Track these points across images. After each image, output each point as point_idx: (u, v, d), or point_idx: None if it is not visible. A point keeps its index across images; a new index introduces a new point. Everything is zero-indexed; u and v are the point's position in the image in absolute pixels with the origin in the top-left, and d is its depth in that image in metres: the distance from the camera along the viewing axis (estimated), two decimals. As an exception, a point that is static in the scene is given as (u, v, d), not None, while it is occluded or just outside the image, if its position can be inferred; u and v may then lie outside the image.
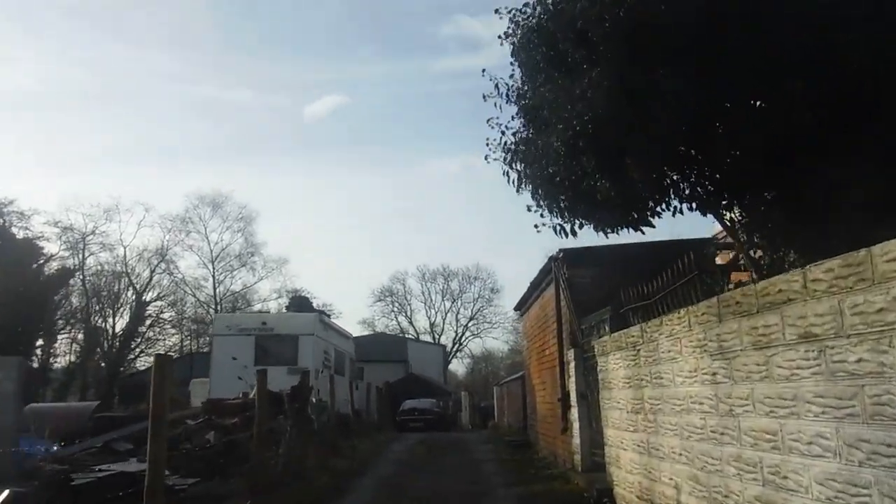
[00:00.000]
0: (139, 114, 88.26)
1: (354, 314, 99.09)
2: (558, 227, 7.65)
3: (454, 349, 74.22)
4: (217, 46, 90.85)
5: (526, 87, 7.45)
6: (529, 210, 7.73)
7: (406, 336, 63.50)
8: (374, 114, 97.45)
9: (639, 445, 8.53)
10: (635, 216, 7.54)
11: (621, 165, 6.41)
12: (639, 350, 8.29)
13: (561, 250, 11.99)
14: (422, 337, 67.94)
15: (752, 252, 7.91)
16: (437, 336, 71.03)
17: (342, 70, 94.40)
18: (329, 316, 67.17)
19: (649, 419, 8.11)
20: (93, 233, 55.85)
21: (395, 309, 72.53)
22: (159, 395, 6.59)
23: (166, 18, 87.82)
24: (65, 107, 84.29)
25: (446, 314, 74.79)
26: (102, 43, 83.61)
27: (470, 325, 75.63)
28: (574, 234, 7.65)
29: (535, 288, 15.73)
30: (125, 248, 58.19)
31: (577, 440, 11.95)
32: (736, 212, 8.17)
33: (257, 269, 63.31)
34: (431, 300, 74.64)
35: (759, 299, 5.30)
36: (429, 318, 74.02)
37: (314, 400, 19.03)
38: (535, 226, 7.79)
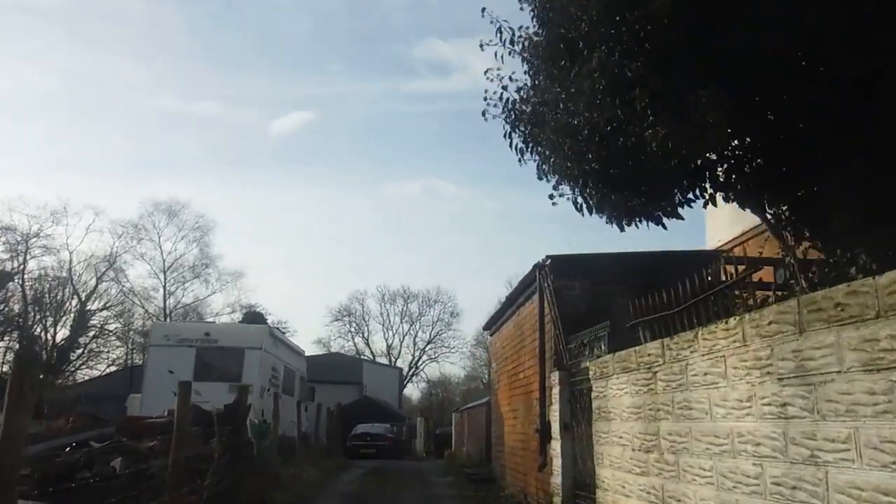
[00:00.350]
0: (102, 123, 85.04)
1: (310, 333, 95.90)
2: (578, 201, 5.95)
3: (410, 373, 72.03)
4: (185, 58, 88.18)
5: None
6: (540, 179, 6.01)
7: (362, 357, 61.23)
8: (341, 132, 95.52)
9: (648, 492, 6.79)
10: (662, 203, 5.84)
11: (689, 102, 4.68)
12: (655, 373, 6.58)
13: (548, 257, 10.29)
14: (378, 359, 65.71)
15: (801, 254, 6.27)
16: (393, 359, 68.81)
17: (311, 86, 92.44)
18: (283, 332, 64.64)
19: (666, 460, 6.39)
20: (37, 235, 52.80)
21: (353, 329, 70.21)
22: (15, 404, 4.67)
23: (136, 28, 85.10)
24: (26, 113, 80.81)
25: (404, 337, 72.62)
26: (71, 50, 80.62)
27: (427, 348, 73.55)
28: (599, 210, 5.92)
29: (512, 303, 13.97)
30: (71, 252, 55.14)
31: (557, 479, 10.16)
32: (781, 206, 6.54)
33: (211, 282, 60.53)
34: (390, 321, 72.48)
35: (881, 299, 3.63)
36: (386, 339, 71.82)
37: (255, 420, 16.99)
38: (551, 196, 6.09)
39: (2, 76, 78.76)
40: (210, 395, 18.58)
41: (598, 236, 75.52)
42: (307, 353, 59.92)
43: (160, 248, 59.33)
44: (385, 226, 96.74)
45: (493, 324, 17.10)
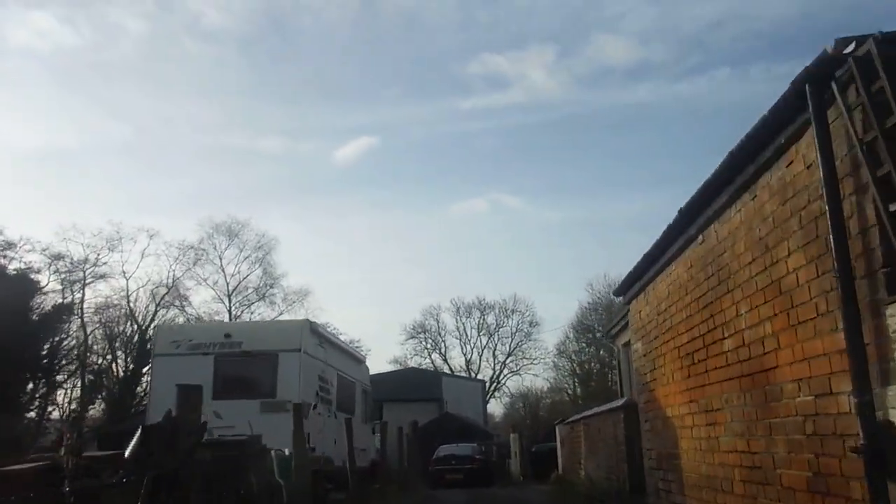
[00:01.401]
0: (170, 166, 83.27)
1: (384, 353, 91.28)
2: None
3: (492, 387, 65.76)
4: (246, 95, 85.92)
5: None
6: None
7: (440, 371, 55.32)
8: (402, 155, 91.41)
9: None
10: None
11: None
12: None
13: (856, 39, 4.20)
14: (457, 374, 59.90)
15: None
16: (473, 373, 62.80)
17: (370, 113, 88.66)
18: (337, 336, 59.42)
19: None
20: (94, 264, 48.94)
21: (429, 346, 64.61)
22: None
23: (195, 69, 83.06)
24: (94, 161, 79.65)
25: (482, 350, 66.61)
26: (135, 96, 79.44)
27: (508, 361, 67.40)
28: None
29: (696, 214, 7.59)
30: (127, 279, 51.01)
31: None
32: None
33: (277, 303, 55.72)
34: (467, 335, 66.58)
35: None
36: (464, 354, 65.94)
37: (283, 452, 11.15)
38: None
39: (80, 129, 77.28)
40: (234, 416, 13.07)
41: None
42: (380, 371, 53.85)
43: (223, 270, 54.89)
44: (453, 244, 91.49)
45: (634, 281, 10.89)
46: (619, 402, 12.11)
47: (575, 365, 67.47)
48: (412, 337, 64.33)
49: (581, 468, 16.13)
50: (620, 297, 13.46)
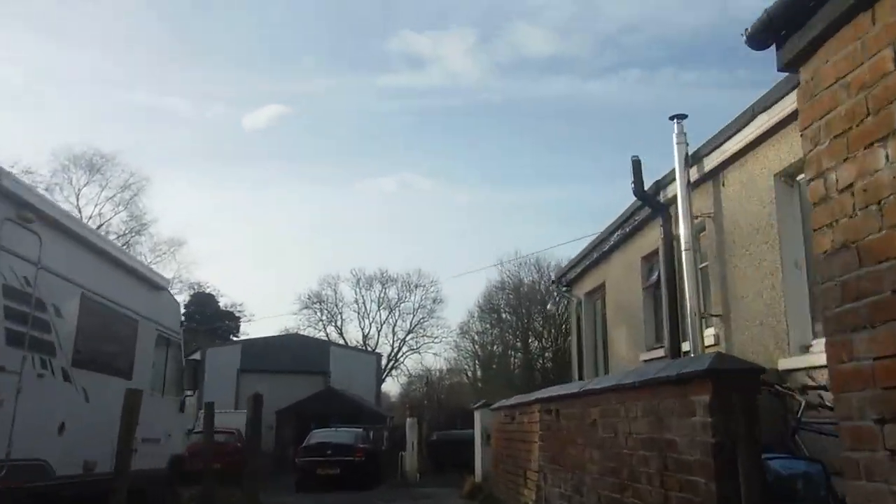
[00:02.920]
0: (69, 117, 71.47)
1: (276, 324, 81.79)
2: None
3: (389, 366, 57.95)
4: (155, 53, 74.84)
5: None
6: None
7: (329, 341, 46.90)
8: (314, 127, 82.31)
9: None
10: None
11: None
12: None
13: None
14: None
15: None
16: (371, 348, 54.84)
17: (283, 82, 79.44)
18: (239, 321, 49.74)
19: None
20: None
21: (324, 318, 56.11)
22: None
23: (102, 20, 71.30)
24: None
25: (382, 325, 58.70)
26: (35, 42, 67.23)
27: (408, 338, 59.84)
28: None
29: None
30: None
31: None
32: None
33: (143, 252, 45.78)
34: (366, 309, 58.43)
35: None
36: (362, 328, 57.81)
37: None
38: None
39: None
40: None
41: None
42: (256, 336, 44.67)
43: (79, 210, 44.43)
44: (360, 219, 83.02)
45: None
46: (702, 363, 4.37)
47: (477, 346, 61.02)
48: (306, 307, 55.80)
49: (537, 487, 8.42)
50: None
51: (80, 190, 44.13)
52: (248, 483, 12.11)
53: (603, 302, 12.82)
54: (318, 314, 56.01)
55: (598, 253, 12.35)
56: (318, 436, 21.66)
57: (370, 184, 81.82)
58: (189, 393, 11.83)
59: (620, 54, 77.48)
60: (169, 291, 12.22)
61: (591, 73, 77.04)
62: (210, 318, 50.80)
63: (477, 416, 14.85)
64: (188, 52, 77.96)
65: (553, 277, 13.92)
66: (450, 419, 31.61)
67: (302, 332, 45.22)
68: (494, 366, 58.68)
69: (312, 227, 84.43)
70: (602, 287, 12.55)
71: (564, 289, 14.52)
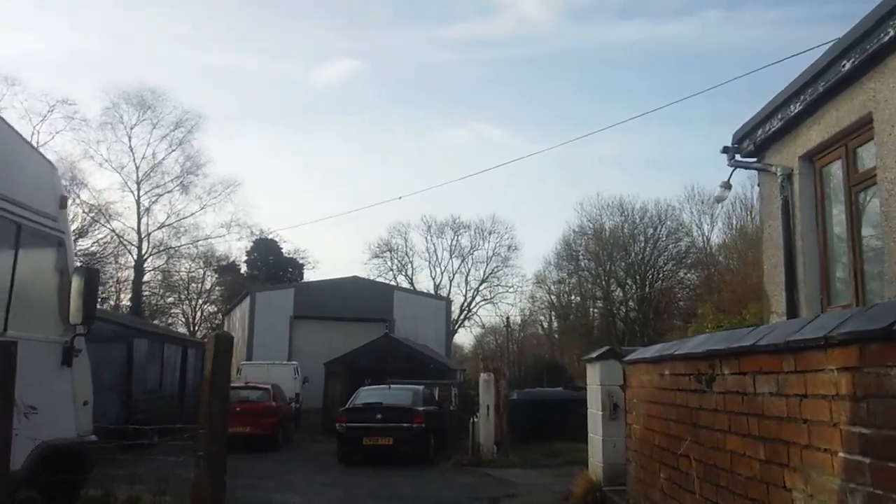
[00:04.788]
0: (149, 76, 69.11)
1: (343, 273, 78.11)
2: None
3: (461, 316, 52.53)
4: (226, 12, 70.68)
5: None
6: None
7: (393, 285, 41.43)
8: (385, 81, 77.10)
9: None
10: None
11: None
12: None
13: None
14: (422, 298, 46.68)
15: None
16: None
17: (354, 36, 74.29)
18: (302, 268, 45.06)
19: None
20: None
21: (395, 267, 51.02)
22: None
23: None
24: (68, 71, 64.43)
25: (454, 274, 53.27)
26: (113, 8, 63.44)
27: (482, 287, 54.19)
28: None
29: None
30: None
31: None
32: None
33: (199, 195, 41.23)
34: (437, 257, 53.05)
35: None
36: (433, 278, 52.55)
37: None
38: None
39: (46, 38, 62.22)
40: None
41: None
42: (313, 279, 40.10)
43: (131, 151, 40.07)
44: (433, 170, 77.39)
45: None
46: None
47: (553, 296, 55.01)
48: (376, 256, 50.86)
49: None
50: None
51: (131, 128, 39.64)
52: (209, 461, 6.53)
53: (854, 163, 6.47)
54: (389, 263, 51.17)
55: (850, 63, 5.99)
56: (366, 395, 16.07)
57: (442, 135, 76.05)
58: (81, 329, 6.21)
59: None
60: (35, 151, 6.53)
61: (667, 14, 68.32)
62: (272, 266, 46.28)
63: (594, 372, 8.73)
64: (260, 7, 73.69)
65: (732, 140, 7.45)
66: (533, 375, 25.68)
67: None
68: (572, 316, 52.86)
69: (384, 179, 79.27)
70: (860, 131, 6.20)
71: (750, 160, 8.11)
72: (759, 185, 8.12)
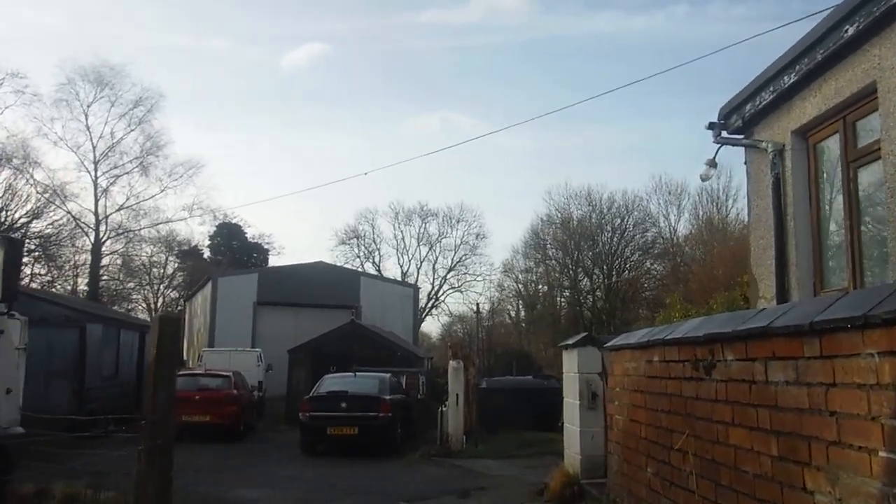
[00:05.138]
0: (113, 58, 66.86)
1: (315, 257, 77.04)
2: None
3: (429, 305, 52.03)
4: None
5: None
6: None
7: (360, 271, 40.64)
8: (352, 66, 75.92)
9: None
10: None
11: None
12: None
13: None
14: (389, 285, 45.91)
15: None
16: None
17: (321, 19, 72.71)
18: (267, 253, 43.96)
19: None
20: None
21: (362, 254, 50.20)
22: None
23: None
24: (21, 45, 61.72)
25: (421, 262, 52.69)
26: None
27: (449, 276, 53.76)
28: None
29: None
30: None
31: None
32: None
33: (159, 176, 39.82)
34: (405, 244, 52.34)
35: None
36: (400, 265, 51.89)
37: None
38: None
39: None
40: None
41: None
42: (278, 264, 39.43)
43: (88, 129, 38.54)
44: (401, 156, 76.59)
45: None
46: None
47: (520, 285, 54.88)
48: (343, 243, 49.95)
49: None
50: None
51: (88, 106, 38.11)
52: (153, 456, 5.99)
53: (854, 138, 6.06)
54: (356, 250, 50.37)
55: (854, 28, 5.57)
56: (330, 383, 15.45)
57: (410, 122, 75.06)
58: (1, 307, 5.46)
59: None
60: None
61: (636, 7, 68.29)
62: (237, 251, 45.16)
63: (572, 358, 8.25)
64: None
65: (719, 116, 6.94)
66: (502, 363, 25.32)
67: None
68: (539, 306, 52.78)
69: (351, 166, 78.17)
70: (861, 103, 5.78)
71: (738, 136, 7.68)
72: (745, 163, 7.69)
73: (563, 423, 18.00)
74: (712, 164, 7.90)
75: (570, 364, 8.29)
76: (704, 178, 8.00)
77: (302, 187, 77.41)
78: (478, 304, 24.49)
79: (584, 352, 8.03)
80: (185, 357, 37.19)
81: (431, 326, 60.57)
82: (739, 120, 7.49)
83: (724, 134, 7.76)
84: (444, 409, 14.79)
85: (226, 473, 11.34)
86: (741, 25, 63.75)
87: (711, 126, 7.77)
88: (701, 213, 46.34)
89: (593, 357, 7.93)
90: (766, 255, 7.14)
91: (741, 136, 7.65)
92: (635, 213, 47.38)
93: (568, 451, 8.41)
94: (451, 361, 15.24)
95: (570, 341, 8.40)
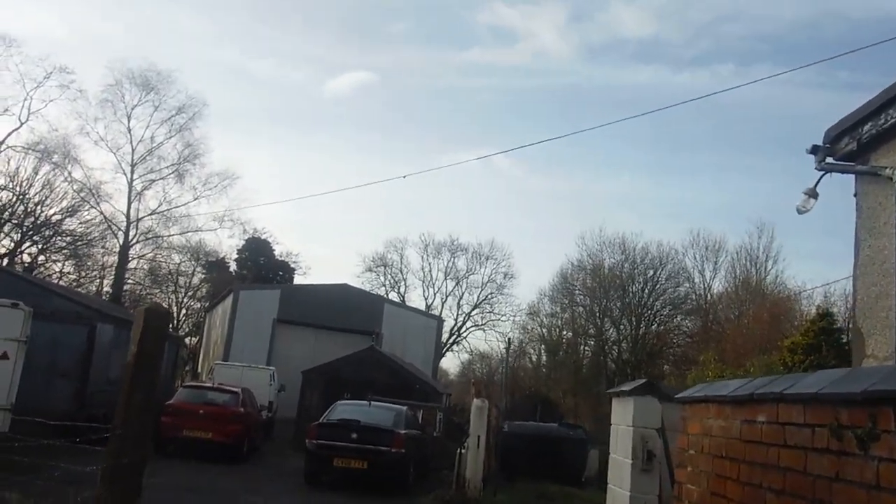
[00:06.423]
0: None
1: (336, 280, 76.30)
2: None
3: (450, 340, 50.65)
4: (239, 11, 70.86)
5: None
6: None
7: (384, 297, 39.42)
8: (394, 98, 76.19)
9: None
10: None
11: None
12: None
13: None
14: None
15: None
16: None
17: (369, 50, 73.50)
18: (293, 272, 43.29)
19: None
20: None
21: (388, 283, 49.28)
22: None
23: None
24: (74, 48, 63.02)
25: (447, 297, 51.58)
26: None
27: (473, 313, 52.49)
28: None
29: None
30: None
31: None
32: None
33: (193, 185, 39.43)
34: (431, 277, 51.33)
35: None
36: (426, 298, 50.82)
37: None
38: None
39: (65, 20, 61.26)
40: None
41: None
42: (302, 282, 38.62)
43: (129, 132, 38.38)
44: (433, 193, 76.03)
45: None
46: None
47: (544, 329, 53.36)
48: (369, 269, 49.07)
49: None
50: None
51: (132, 109, 37.99)
52: (117, 477, 4.86)
53: None
54: (382, 278, 49.41)
55: None
56: (342, 410, 14.20)
57: (448, 157, 74.77)
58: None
59: (716, 44, 67.61)
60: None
61: (682, 63, 67.59)
62: (263, 267, 44.41)
63: (625, 409, 6.93)
64: (277, 14, 72.83)
65: (825, 139, 5.59)
66: (524, 407, 23.85)
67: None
68: (562, 352, 51.13)
69: (384, 197, 77.95)
70: None
71: (847, 163, 6.45)
72: (855, 195, 6.43)
73: (586, 478, 16.52)
74: (813, 193, 6.66)
75: (623, 415, 6.98)
76: (801, 211, 6.75)
77: (333, 210, 77.12)
78: (509, 339, 22.96)
79: (642, 402, 6.72)
80: (198, 370, 36.22)
81: (451, 363, 59.11)
82: (853, 143, 6.26)
83: (830, 160, 6.53)
84: (463, 450, 13.42)
85: (209, 499, 10.10)
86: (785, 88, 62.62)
87: (814, 150, 6.56)
88: (738, 272, 44.61)
89: (652, 408, 6.63)
90: (878, 305, 5.83)
91: (851, 163, 6.41)
92: (669, 265, 45.84)
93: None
94: (475, 400, 13.90)
95: (626, 388, 7.10)
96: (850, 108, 5.47)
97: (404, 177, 41.64)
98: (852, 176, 6.56)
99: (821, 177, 6.61)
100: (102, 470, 4.86)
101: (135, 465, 4.94)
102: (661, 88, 65.37)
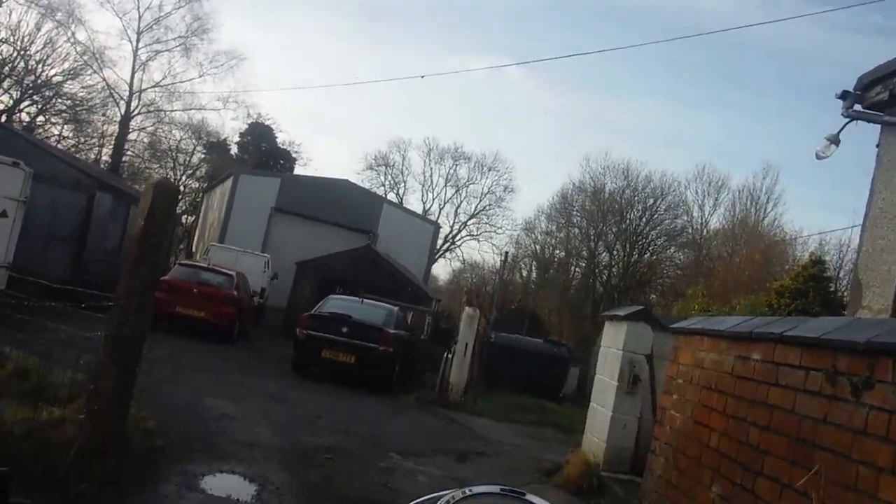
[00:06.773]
0: None
1: (337, 175, 75.86)
2: None
3: (444, 247, 51.04)
4: None
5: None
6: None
7: (384, 197, 39.35)
8: None
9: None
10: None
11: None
12: None
13: None
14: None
15: None
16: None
17: None
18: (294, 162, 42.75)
19: None
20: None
21: (387, 184, 49.10)
22: None
23: None
24: None
25: (445, 203, 51.61)
26: None
27: (470, 222, 52.65)
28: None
29: None
30: None
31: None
32: None
33: (199, 61, 38.40)
34: (432, 182, 51.16)
35: None
36: (424, 202, 50.92)
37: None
38: None
39: None
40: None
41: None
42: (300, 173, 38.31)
43: (137, -3, 36.83)
44: (442, 95, 73.73)
45: None
46: None
47: (538, 246, 53.62)
48: (371, 168, 48.81)
49: None
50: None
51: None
52: (119, 347, 4.95)
53: None
54: (382, 177, 49.18)
55: None
56: (334, 304, 14.42)
57: (460, 62, 72.39)
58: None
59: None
60: None
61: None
62: (264, 154, 43.94)
63: (617, 332, 7.07)
64: None
65: (856, 85, 5.35)
66: (512, 321, 24.32)
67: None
68: (552, 270, 51.66)
69: (395, 97, 76.17)
70: None
71: (875, 113, 6.30)
72: (878, 146, 6.32)
73: (563, 394, 17.05)
74: (835, 140, 6.55)
75: (615, 338, 7.12)
76: (821, 157, 6.65)
77: (341, 104, 75.61)
78: (506, 253, 23.16)
79: (635, 327, 6.84)
80: (192, 249, 36.50)
81: (442, 270, 59.66)
82: (885, 93, 6.10)
83: (858, 107, 6.38)
84: (449, 355, 13.77)
85: (204, 377, 10.42)
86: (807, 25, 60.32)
87: (844, 96, 6.39)
88: (737, 210, 44.53)
89: (644, 335, 6.76)
90: (882, 259, 5.85)
91: (881, 113, 6.27)
92: (669, 196, 45.60)
93: (590, 436, 7.31)
94: (466, 308, 14.15)
95: (621, 312, 7.21)
96: (881, 56, 5.28)
97: (422, 76, 40.70)
98: (877, 127, 6.44)
99: (846, 123, 6.48)
100: (105, 338, 4.95)
101: (136, 336, 5.03)
102: (684, 13, 63.03)
